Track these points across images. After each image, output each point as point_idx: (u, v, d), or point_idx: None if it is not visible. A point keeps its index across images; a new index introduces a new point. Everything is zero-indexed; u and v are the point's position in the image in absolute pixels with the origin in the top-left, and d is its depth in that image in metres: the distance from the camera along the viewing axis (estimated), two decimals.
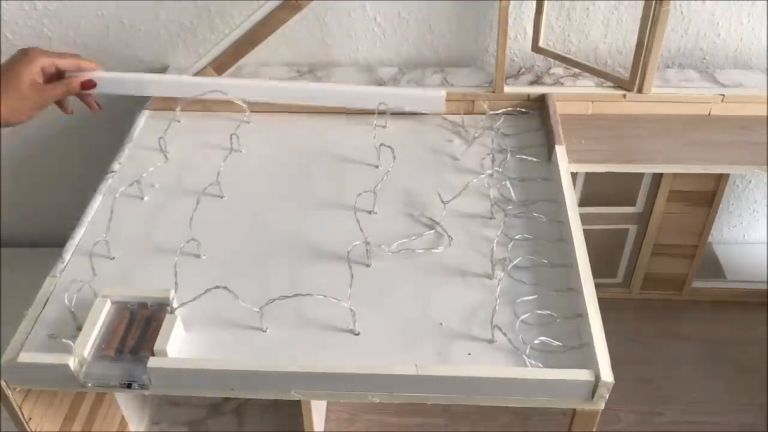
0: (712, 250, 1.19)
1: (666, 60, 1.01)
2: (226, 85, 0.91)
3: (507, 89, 0.93)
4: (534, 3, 0.93)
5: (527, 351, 0.63)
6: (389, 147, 0.83)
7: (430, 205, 0.79)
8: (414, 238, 0.75)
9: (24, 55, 0.80)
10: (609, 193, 0.99)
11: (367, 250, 0.72)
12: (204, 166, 0.84)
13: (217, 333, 0.66)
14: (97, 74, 0.86)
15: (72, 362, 0.61)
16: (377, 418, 0.96)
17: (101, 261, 0.72)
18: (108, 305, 0.65)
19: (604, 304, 0.65)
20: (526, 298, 0.68)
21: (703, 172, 0.88)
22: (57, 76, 0.83)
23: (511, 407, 0.62)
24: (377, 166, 0.85)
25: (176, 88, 0.92)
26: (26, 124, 0.79)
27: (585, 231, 0.72)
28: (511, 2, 0.87)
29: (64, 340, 0.62)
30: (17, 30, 1.01)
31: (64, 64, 0.83)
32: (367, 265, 0.72)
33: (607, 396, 0.60)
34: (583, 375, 0.59)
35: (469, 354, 0.64)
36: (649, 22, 0.85)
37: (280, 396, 0.63)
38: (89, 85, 0.86)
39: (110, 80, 0.88)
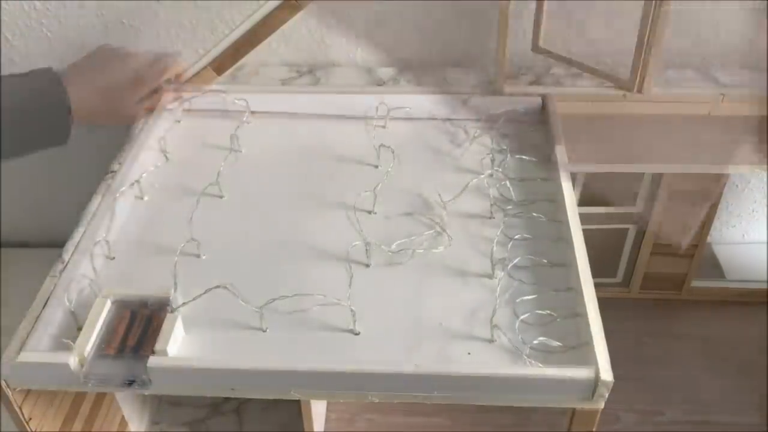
0: (712, 250, 1.19)
1: (666, 60, 1.01)
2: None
3: (507, 89, 0.93)
4: (534, 3, 0.94)
5: (527, 351, 0.63)
6: (389, 147, 0.83)
7: (430, 205, 0.79)
8: (414, 238, 0.75)
9: (136, 86, 0.85)
10: (609, 193, 0.99)
11: (367, 250, 0.72)
12: (204, 166, 0.84)
13: (217, 333, 0.66)
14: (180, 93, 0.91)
15: (72, 362, 0.61)
16: (377, 418, 0.96)
17: (101, 261, 0.73)
18: (108, 305, 0.65)
19: (604, 304, 0.65)
20: (525, 297, 0.68)
21: (703, 172, 0.88)
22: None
23: (511, 407, 0.62)
24: (377, 167, 0.85)
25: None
26: None
27: (585, 231, 0.72)
28: (511, 2, 0.87)
29: (64, 340, 0.62)
30: (17, 30, 1.01)
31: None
32: (367, 265, 0.72)
33: (607, 395, 0.60)
34: (583, 374, 0.59)
35: (469, 354, 0.64)
36: (649, 22, 0.85)
37: (280, 396, 0.63)
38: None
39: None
